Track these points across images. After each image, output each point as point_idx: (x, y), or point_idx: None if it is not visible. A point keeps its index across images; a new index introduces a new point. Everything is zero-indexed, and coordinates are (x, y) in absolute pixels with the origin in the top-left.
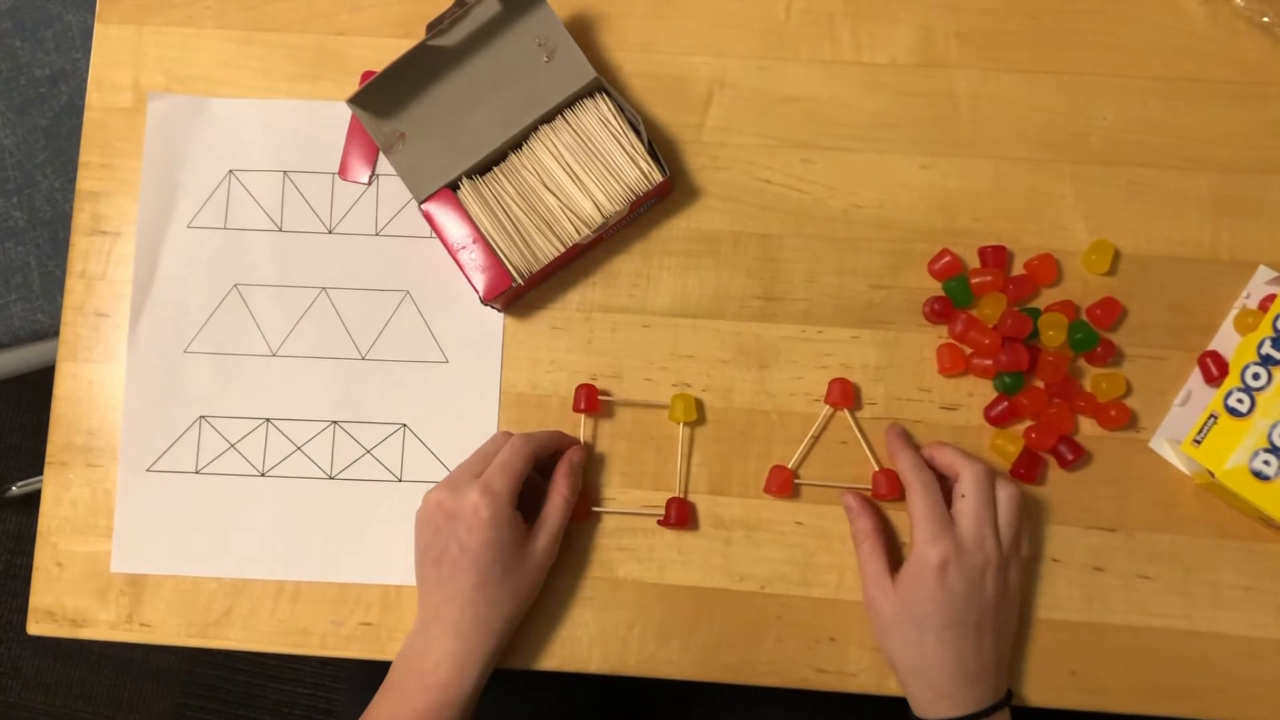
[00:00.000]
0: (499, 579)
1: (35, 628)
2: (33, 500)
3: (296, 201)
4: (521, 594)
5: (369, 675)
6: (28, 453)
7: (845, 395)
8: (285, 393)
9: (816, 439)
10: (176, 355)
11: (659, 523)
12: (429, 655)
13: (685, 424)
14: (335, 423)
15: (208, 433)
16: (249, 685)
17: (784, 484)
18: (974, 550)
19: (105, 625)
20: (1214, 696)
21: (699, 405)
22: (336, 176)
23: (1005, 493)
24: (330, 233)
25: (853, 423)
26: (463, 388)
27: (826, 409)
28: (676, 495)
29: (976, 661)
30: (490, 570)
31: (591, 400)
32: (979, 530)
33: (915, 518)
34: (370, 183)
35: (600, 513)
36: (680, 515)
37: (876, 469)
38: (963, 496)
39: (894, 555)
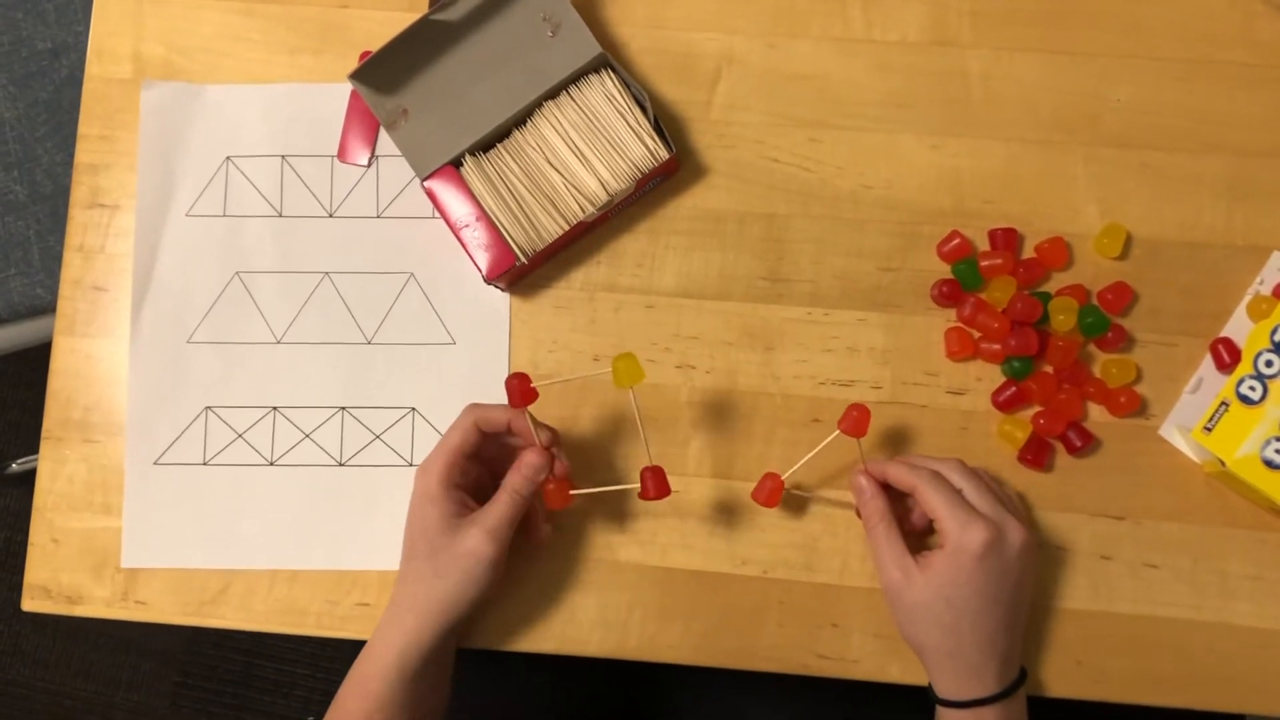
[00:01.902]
0: (424, 555)
1: (30, 604)
2: (33, 478)
3: (296, 186)
4: (452, 574)
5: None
6: (28, 430)
7: (860, 425)
8: (291, 380)
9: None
10: (180, 346)
11: (640, 496)
12: (379, 623)
13: (634, 388)
14: (343, 409)
15: (214, 423)
16: (248, 665)
17: (773, 494)
18: (1008, 531)
19: (100, 602)
20: (1221, 687)
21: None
22: (335, 159)
23: (989, 476)
24: (331, 216)
25: (862, 458)
26: (471, 369)
27: (836, 433)
28: (648, 465)
29: (1007, 640)
30: (416, 545)
31: (525, 392)
32: (999, 513)
33: (938, 510)
34: (370, 164)
35: (578, 494)
36: (658, 484)
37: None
38: (959, 490)
39: (907, 539)
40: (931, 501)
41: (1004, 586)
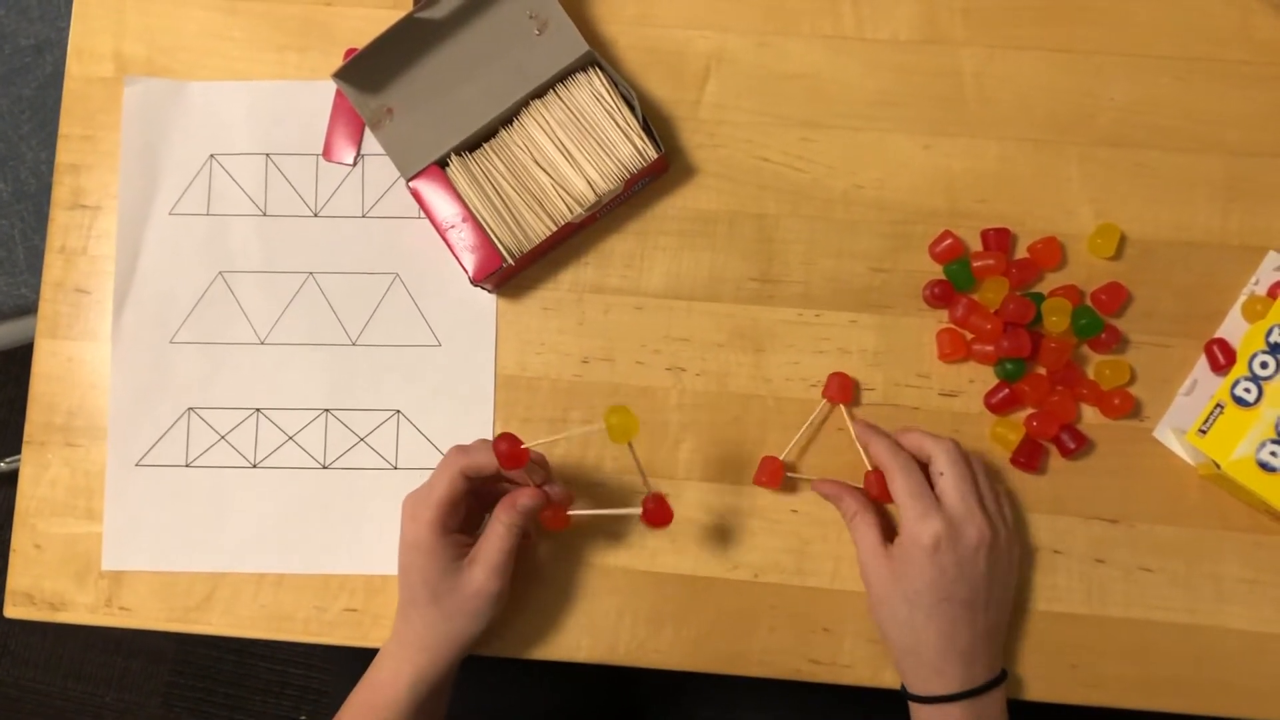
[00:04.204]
0: (427, 602)
1: (13, 611)
2: (18, 477)
3: (280, 185)
4: (460, 616)
5: (359, 657)
6: (14, 429)
7: (843, 390)
8: (275, 381)
9: (814, 432)
10: (162, 346)
11: (643, 520)
12: (380, 655)
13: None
14: (327, 411)
15: (197, 425)
16: (240, 665)
17: (774, 475)
18: (965, 526)
19: (84, 609)
20: (1216, 691)
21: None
22: (321, 158)
23: (979, 465)
24: (316, 216)
25: (849, 420)
26: (457, 371)
27: (823, 403)
28: (651, 492)
29: (969, 639)
30: (417, 592)
31: (515, 455)
32: (965, 505)
33: (900, 498)
34: (355, 164)
35: (576, 515)
36: (661, 512)
37: (870, 469)
38: (941, 474)
39: (888, 531)
40: (895, 488)
41: (959, 582)
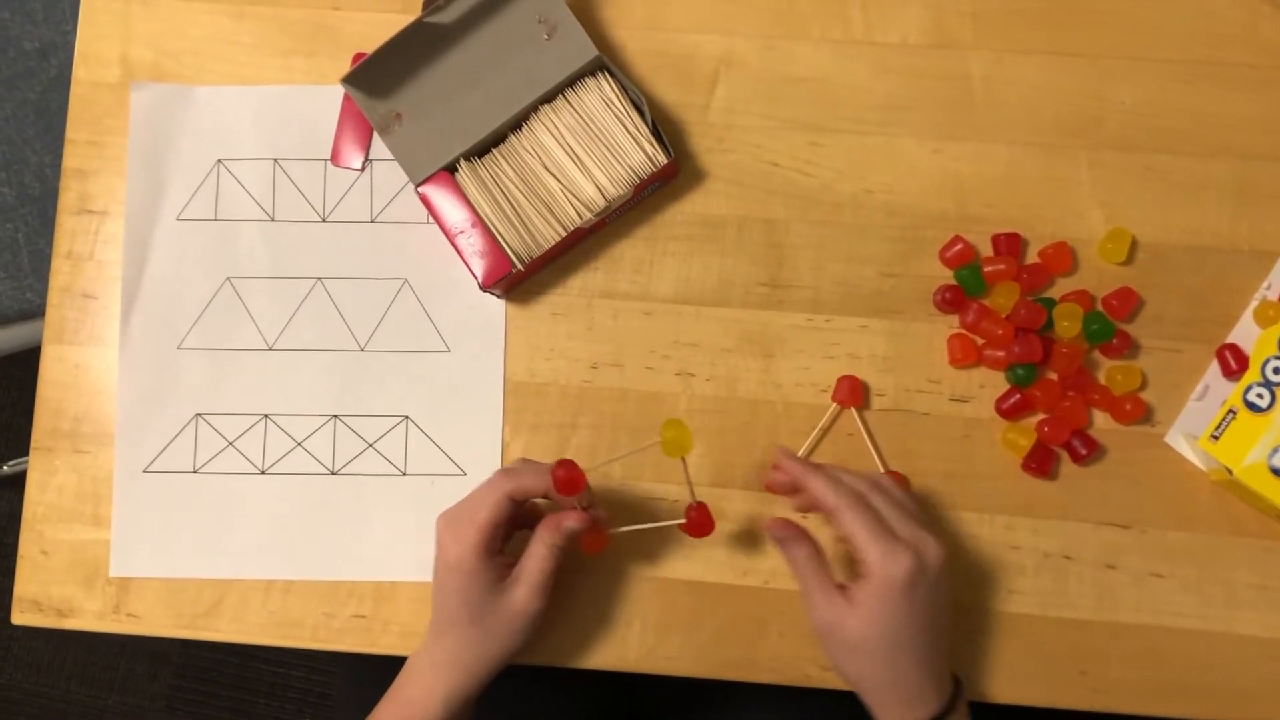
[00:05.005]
0: (467, 622)
1: (20, 617)
2: (24, 480)
3: (288, 190)
4: (501, 636)
5: (362, 661)
6: (19, 432)
7: (854, 394)
8: (283, 387)
9: (823, 434)
10: (170, 352)
11: (683, 529)
12: (410, 671)
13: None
14: (336, 416)
15: (205, 431)
16: (242, 668)
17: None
18: (925, 553)
19: (92, 615)
20: (1227, 697)
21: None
22: (329, 163)
23: (898, 485)
24: (324, 221)
25: (860, 423)
26: (466, 377)
27: (834, 406)
28: (693, 502)
29: (939, 659)
30: (458, 614)
31: (574, 481)
32: (916, 535)
33: (858, 537)
34: (363, 169)
35: (617, 532)
36: (702, 521)
37: (882, 470)
38: (876, 510)
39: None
40: (850, 529)
41: (932, 609)
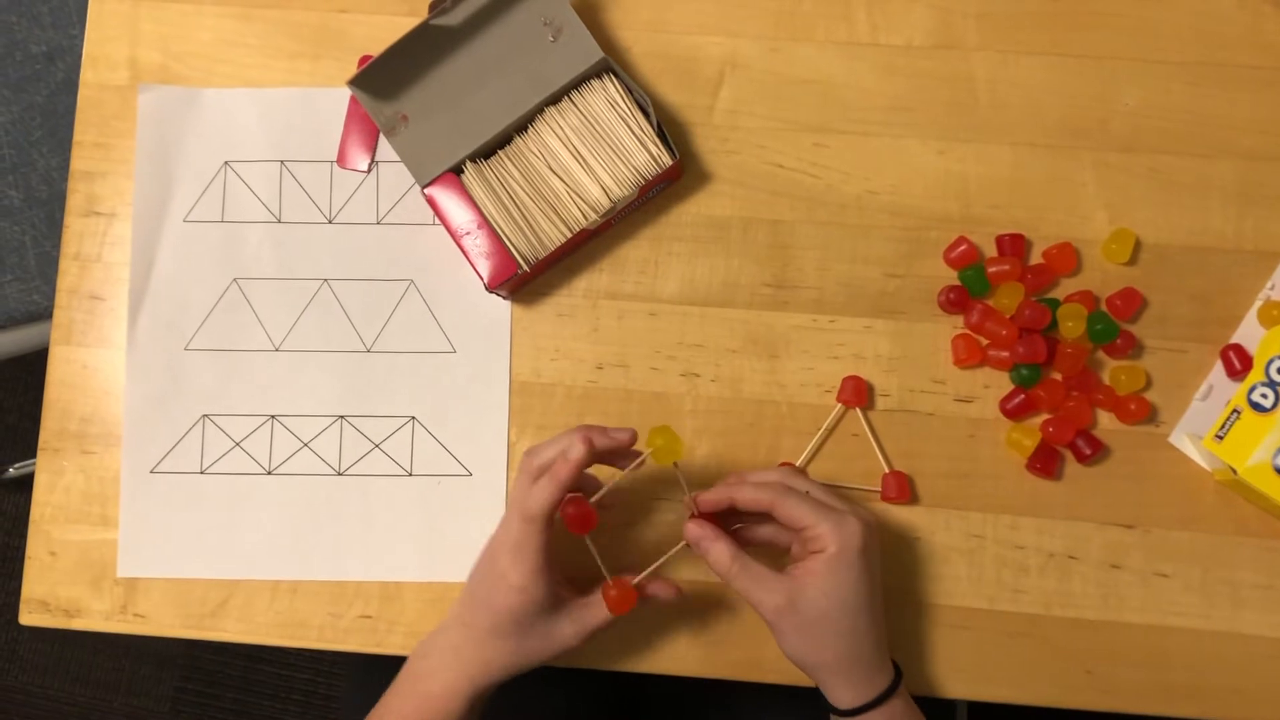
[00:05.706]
0: (509, 634)
1: (28, 618)
2: (31, 482)
3: (295, 191)
4: (536, 656)
5: (368, 661)
6: (26, 434)
7: (858, 394)
8: (289, 388)
9: (827, 435)
10: (177, 353)
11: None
12: (429, 660)
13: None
14: (342, 417)
15: (211, 432)
16: (247, 669)
17: None
18: (870, 523)
19: (99, 616)
20: (1231, 697)
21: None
22: (335, 165)
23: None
24: (330, 223)
25: (864, 424)
26: (472, 377)
27: (838, 407)
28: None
29: (884, 630)
30: (504, 627)
31: (585, 518)
32: (849, 506)
33: (806, 518)
34: (370, 170)
35: (642, 578)
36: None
37: (887, 470)
38: (806, 492)
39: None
40: (796, 513)
41: (876, 576)
